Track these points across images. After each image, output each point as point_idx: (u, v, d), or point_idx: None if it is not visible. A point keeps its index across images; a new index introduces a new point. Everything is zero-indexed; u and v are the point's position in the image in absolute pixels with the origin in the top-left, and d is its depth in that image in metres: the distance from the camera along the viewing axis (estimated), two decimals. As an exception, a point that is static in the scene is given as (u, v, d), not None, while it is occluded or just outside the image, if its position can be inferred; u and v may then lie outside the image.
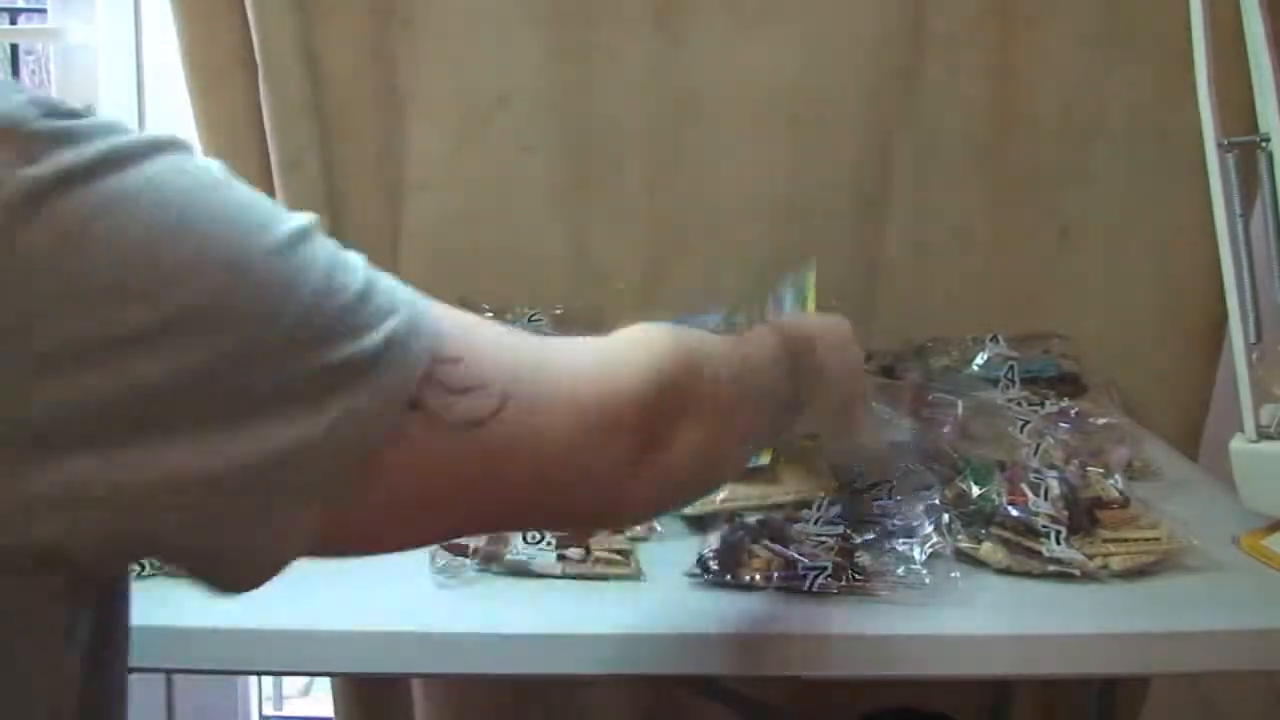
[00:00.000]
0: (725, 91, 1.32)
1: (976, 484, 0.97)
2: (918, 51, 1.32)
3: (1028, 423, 1.09)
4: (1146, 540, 0.92)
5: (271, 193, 1.28)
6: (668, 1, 1.30)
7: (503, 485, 0.49)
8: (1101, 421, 1.15)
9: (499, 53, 1.31)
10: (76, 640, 0.45)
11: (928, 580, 0.86)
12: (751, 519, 0.94)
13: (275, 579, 0.47)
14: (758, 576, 0.87)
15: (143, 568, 0.85)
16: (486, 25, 1.30)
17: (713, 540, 0.92)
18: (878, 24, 1.30)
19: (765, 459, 0.97)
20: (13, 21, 1.63)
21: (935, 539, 0.90)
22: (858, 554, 0.89)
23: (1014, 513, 0.92)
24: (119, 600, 0.51)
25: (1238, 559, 0.94)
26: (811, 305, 1.10)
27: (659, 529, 0.96)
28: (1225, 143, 0.96)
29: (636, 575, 0.89)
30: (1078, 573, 0.89)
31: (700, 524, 0.96)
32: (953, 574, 0.88)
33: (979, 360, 1.27)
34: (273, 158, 1.28)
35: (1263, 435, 0.96)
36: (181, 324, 0.41)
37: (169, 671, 1.39)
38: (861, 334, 1.34)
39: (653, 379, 0.55)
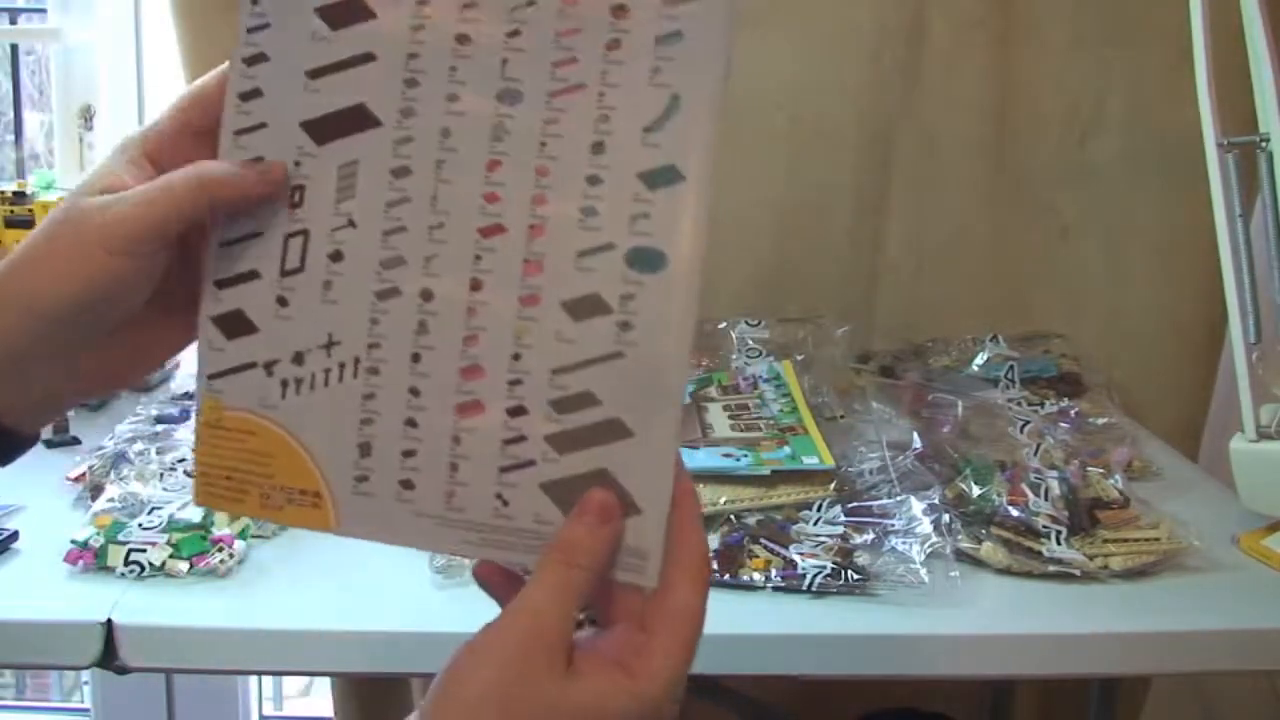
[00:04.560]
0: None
1: (976, 484, 0.97)
2: (918, 51, 1.32)
3: (1028, 423, 1.09)
4: (1146, 540, 0.92)
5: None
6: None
7: None
8: (1101, 421, 1.15)
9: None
10: None
11: (927, 580, 0.86)
12: (751, 519, 0.94)
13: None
14: (757, 576, 0.87)
15: (143, 568, 0.86)
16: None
17: (712, 540, 0.92)
18: (878, 24, 1.30)
19: (765, 469, 0.97)
20: (13, 21, 1.63)
21: (935, 539, 0.90)
22: (857, 554, 0.89)
23: (1014, 513, 0.92)
24: None
25: (1238, 559, 0.94)
26: (797, 393, 1.10)
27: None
28: (1225, 143, 0.96)
29: (636, 575, 0.89)
30: (1078, 573, 0.89)
31: (700, 524, 0.96)
32: (952, 574, 0.88)
33: (979, 360, 1.27)
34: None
35: (1263, 435, 0.96)
36: None
37: (169, 671, 1.39)
38: (861, 334, 1.36)
39: None
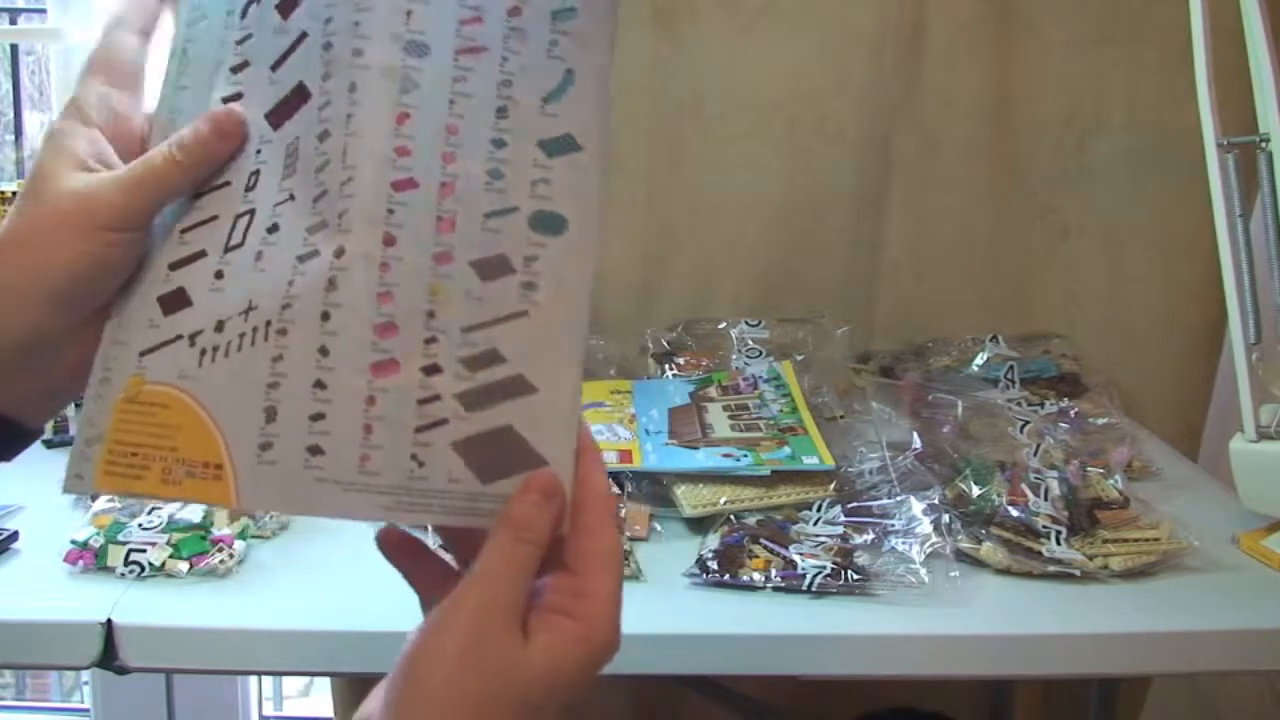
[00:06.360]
0: (725, 91, 1.32)
1: (976, 484, 0.97)
2: (918, 51, 1.32)
3: (1028, 423, 1.09)
4: (1146, 540, 0.92)
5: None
6: (667, 2, 1.30)
7: None
8: (1101, 421, 1.15)
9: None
10: None
11: (927, 580, 0.86)
12: (751, 519, 0.94)
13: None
14: (757, 576, 0.87)
15: (143, 568, 0.86)
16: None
17: (712, 540, 0.92)
18: (878, 24, 1.30)
19: (765, 469, 0.97)
20: (13, 21, 1.63)
21: (935, 539, 0.90)
22: (857, 554, 0.89)
23: (1014, 513, 0.92)
24: None
25: (1238, 559, 0.94)
26: (797, 393, 1.11)
27: (659, 529, 0.96)
28: (1225, 143, 0.96)
29: (636, 575, 0.89)
30: (1078, 573, 0.89)
31: (700, 525, 0.96)
32: (952, 574, 0.88)
33: (979, 360, 1.28)
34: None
35: (1263, 435, 0.96)
36: None
37: (169, 671, 1.39)
38: (861, 334, 1.36)
39: None
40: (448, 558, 0.53)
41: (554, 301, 0.47)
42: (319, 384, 0.47)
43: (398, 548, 0.52)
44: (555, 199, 0.48)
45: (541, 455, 0.47)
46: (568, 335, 0.47)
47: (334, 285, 0.47)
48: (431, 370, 0.47)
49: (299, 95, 0.50)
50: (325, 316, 0.47)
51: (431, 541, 0.54)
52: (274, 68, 0.51)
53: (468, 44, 0.49)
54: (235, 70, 0.52)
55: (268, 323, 0.48)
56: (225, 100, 0.52)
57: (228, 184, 0.51)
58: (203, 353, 0.49)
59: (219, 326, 0.49)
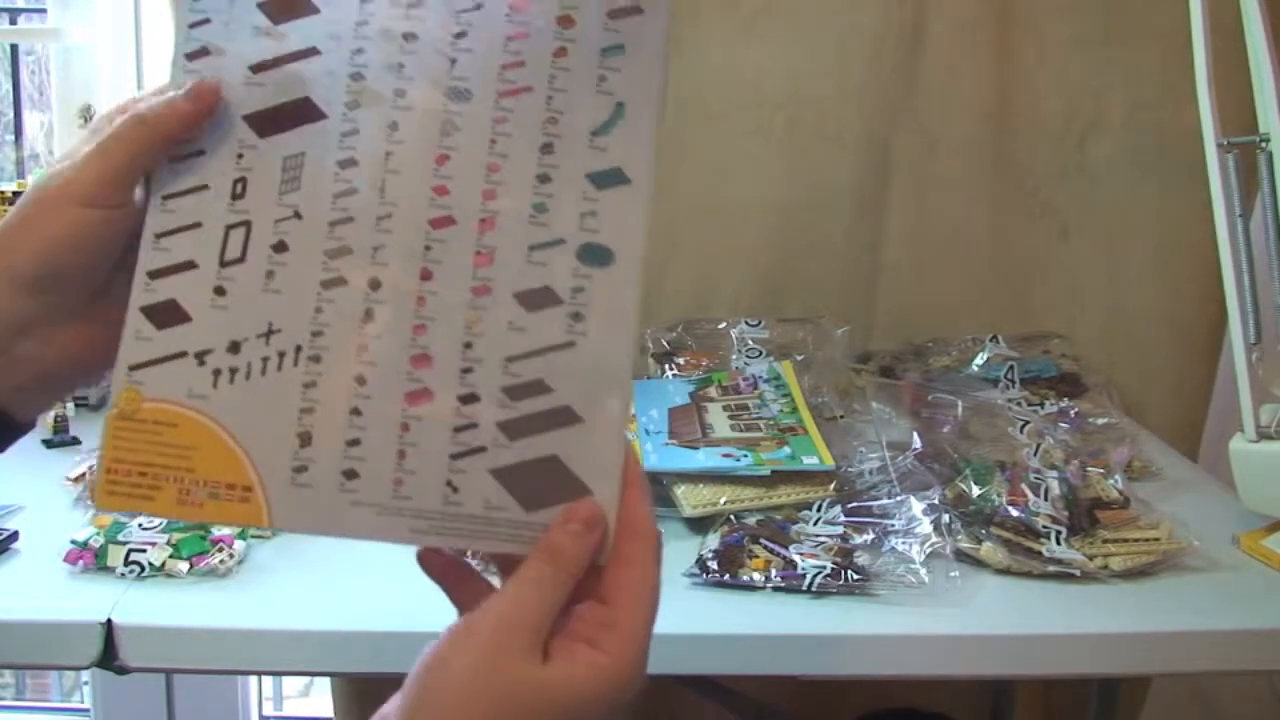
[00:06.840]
0: (725, 92, 1.32)
1: (976, 484, 0.97)
2: (917, 52, 1.32)
3: (1028, 423, 1.09)
4: (1146, 540, 0.92)
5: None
6: (667, 2, 1.30)
7: None
8: (1101, 421, 1.15)
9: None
10: None
11: (927, 580, 0.86)
12: (751, 519, 0.94)
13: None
14: (757, 576, 0.87)
15: (143, 568, 0.86)
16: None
17: (712, 541, 0.92)
18: (878, 24, 1.30)
19: (765, 469, 0.97)
20: (13, 21, 1.63)
21: (935, 539, 0.90)
22: (857, 554, 0.89)
23: (1014, 513, 0.92)
24: None
25: (1238, 559, 0.94)
26: (797, 393, 1.11)
27: (659, 529, 0.96)
28: (1225, 143, 0.96)
29: (636, 575, 0.89)
30: (1078, 573, 0.89)
31: (700, 525, 0.96)
32: (952, 574, 0.88)
33: (979, 360, 1.28)
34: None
35: (1263, 435, 0.96)
36: None
37: (169, 671, 1.39)
38: (861, 334, 1.36)
39: None
40: (493, 580, 0.52)
41: (601, 332, 0.48)
42: (356, 411, 0.48)
43: (440, 569, 0.52)
44: (603, 231, 0.49)
45: (586, 485, 0.48)
46: (615, 366, 0.48)
47: (370, 316, 0.49)
48: (469, 399, 0.48)
49: (304, 111, 0.50)
50: (363, 348, 0.49)
51: (473, 560, 0.54)
52: (256, 69, 0.51)
53: (510, 86, 0.50)
54: (191, 57, 0.51)
55: (297, 348, 0.49)
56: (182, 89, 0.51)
57: (205, 187, 0.50)
58: (216, 373, 0.49)
59: (234, 348, 0.49)
